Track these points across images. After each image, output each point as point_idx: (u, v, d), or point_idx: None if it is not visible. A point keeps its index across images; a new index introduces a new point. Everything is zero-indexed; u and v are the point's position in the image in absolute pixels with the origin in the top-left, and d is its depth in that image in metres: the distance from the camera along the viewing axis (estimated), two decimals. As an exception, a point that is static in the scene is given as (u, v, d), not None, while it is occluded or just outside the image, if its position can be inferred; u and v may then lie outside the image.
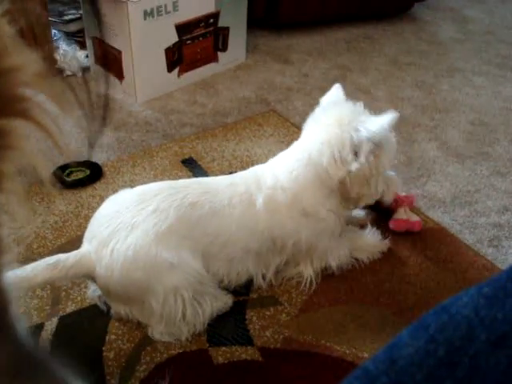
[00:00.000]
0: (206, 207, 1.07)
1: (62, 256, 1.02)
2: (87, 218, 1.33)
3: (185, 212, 1.05)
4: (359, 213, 1.35)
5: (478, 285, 0.60)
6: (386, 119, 1.10)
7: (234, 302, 1.14)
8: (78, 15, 2.07)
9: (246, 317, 1.13)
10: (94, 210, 1.35)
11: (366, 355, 1.06)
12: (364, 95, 1.91)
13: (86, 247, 1.04)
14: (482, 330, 0.54)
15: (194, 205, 1.06)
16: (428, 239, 1.33)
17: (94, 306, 1.13)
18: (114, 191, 1.41)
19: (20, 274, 0.97)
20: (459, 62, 2.17)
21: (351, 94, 1.95)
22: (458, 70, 2.11)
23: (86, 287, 1.16)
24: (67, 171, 1.48)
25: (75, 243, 1.26)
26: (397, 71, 2.09)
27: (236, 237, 1.09)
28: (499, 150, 1.67)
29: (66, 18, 2.10)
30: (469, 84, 2.02)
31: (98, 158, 1.55)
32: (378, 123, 1.09)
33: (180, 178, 1.48)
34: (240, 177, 1.17)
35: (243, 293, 1.17)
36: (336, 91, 1.20)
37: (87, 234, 1.07)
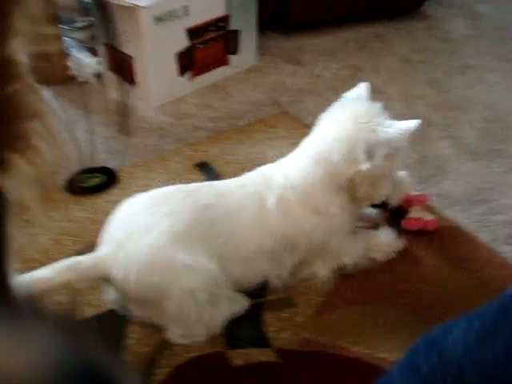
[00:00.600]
0: (218, 209, 1.08)
1: (79, 258, 1.03)
2: (103, 224, 1.34)
3: (198, 214, 1.05)
4: (371, 211, 1.34)
5: (468, 316, 0.59)
6: (407, 125, 1.09)
7: (250, 304, 1.15)
8: (90, 22, 2.08)
9: (263, 319, 1.13)
10: (109, 215, 1.36)
11: (382, 355, 1.06)
12: (376, 94, 1.89)
13: (103, 250, 1.05)
14: (473, 370, 0.53)
15: (207, 207, 1.07)
16: (443, 238, 1.33)
17: (112, 311, 1.14)
18: (129, 196, 1.42)
19: (38, 275, 0.99)
20: (471, 59, 2.15)
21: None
22: (471, 66, 2.10)
23: (103, 292, 1.17)
24: (82, 177, 1.49)
25: (92, 248, 1.27)
26: (408, 69, 2.08)
27: (249, 238, 1.09)
28: (514, 147, 1.66)
29: (78, 25, 2.11)
30: (482, 81, 2.01)
31: (113, 163, 1.57)
32: (399, 128, 1.09)
33: (194, 181, 1.48)
34: (249, 178, 1.17)
35: (260, 295, 1.18)
36: (361, 89, 1.20)
37: (103, 238, 1.08)
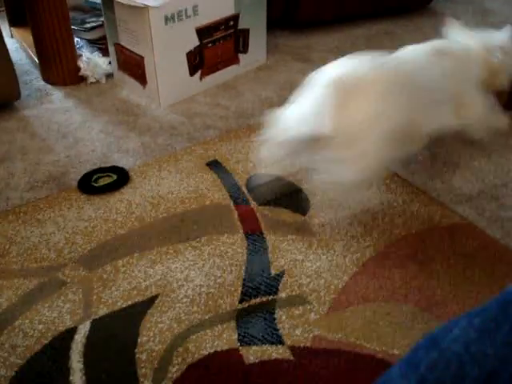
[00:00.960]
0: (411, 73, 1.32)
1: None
2: (116, 223, 1.35)
3: (392, 71, 1.28)
4: None
5: (469, 313, 0.59)
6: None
7: (263, 301, 1.16)
8: (100, 22, 2.10)
9: (276, 316, 1.14)
10: (122, 214, 1.38)
11: (396, 352, 1.06)
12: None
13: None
14: (473, 366, 0.53)
15: (401, 64, 1.35)
16: (455, 234, 1.33)
17: (126, 309, 1.15)
18: (141, 195, 1.43)
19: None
20: (481, 55, 2.14)
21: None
22: (481, 63, 2.09)
23: (117, 290, 1.18)
24: (94, 177, 1.50)
25: (105, 247, 1.29)
26: (418, 66, 2.07)
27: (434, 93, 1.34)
28: (525, 143, 1.66)
29: (88, 25, 2.13)
30: (492, 77, 2.00)
31: (124, 162, 1.58)
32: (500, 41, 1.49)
33: (205, 180, 1.49)
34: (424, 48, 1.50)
35: (272, 292, 1.18)
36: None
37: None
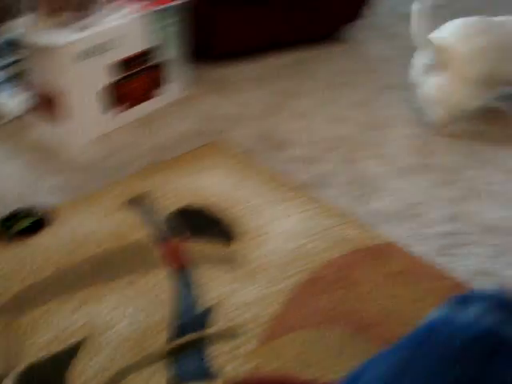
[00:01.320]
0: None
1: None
2: (33, 269, 1.30)
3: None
4: None
5: (378, 356, 0.60)
6: None
7: (192, 339, 1.13)
8: (13, 61, 2.03)
9: (207, 352, 1.12)
10: (40, 259, 1.32)
11: (333, 377, 1.06)
12: (302, 119, 1.94)
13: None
14: None
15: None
16: (378, 255, 1.35)
17: (50, 359, 1.09)
18: (60, 238, 1.38)
19: None
20: (391, 78, 2.23)
21: (290, 119, 1.98)
22: (391, 86, 2.17)
23: (39, 339, 1.13)
24: (9, 222, 1.44)
25: (22, 296, 1.23)
26: (332, 93, 2.12)
27: None
28: (438, 161, 1.72)
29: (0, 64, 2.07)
30: (402, 98, 2.07)
31: (43, 203, 1.52)
32: None
33: (127, 218, 1.46)
34: None
35: (201, 328, 1.16)
36: None
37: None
